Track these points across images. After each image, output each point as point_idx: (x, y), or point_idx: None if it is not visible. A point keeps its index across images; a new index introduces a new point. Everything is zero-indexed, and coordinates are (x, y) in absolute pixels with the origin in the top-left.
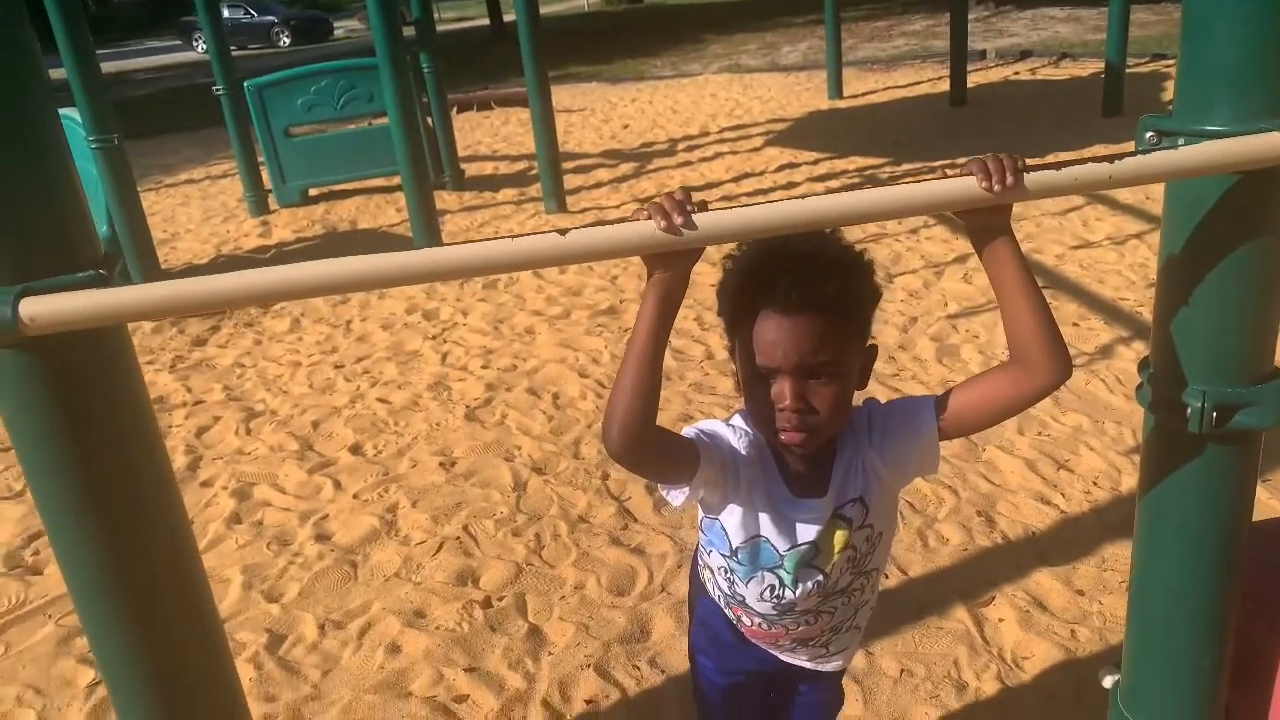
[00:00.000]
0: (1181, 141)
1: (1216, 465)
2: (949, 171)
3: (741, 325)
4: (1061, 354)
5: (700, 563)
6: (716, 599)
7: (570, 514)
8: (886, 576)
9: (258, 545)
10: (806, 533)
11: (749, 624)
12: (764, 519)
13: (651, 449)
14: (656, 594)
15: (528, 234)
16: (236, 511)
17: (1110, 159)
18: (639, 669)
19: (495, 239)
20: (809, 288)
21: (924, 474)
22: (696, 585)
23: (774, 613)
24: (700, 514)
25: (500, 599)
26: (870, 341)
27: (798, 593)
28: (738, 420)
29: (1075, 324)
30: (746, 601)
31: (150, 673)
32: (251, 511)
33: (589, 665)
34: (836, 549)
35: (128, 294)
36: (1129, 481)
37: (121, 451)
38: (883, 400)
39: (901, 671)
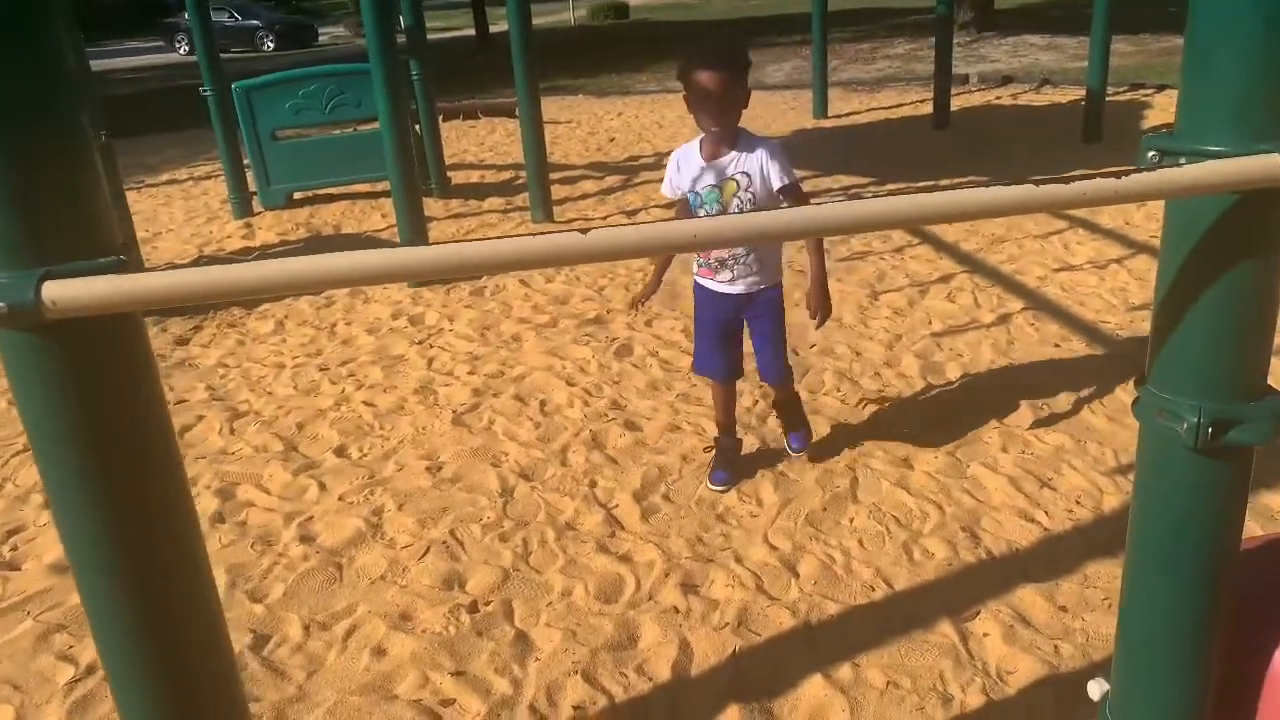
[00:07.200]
0: (1183, 160)
1: (1209, 480)
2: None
3: (688, 82)
4: None
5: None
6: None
7: (557, 520)
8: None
9: (242, 545)
10: (713, 178)
11: (699, 261)
12: (697, 177)
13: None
14: (644, 602)
15: (549, 232)
16: (220, 511)
17: (1117, 174)
18: (626, 676)
19: (516, 236)
20: (717, 63)
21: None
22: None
23: None
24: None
25: (487, 604)
26: (747, 86)
27: (714, 213)
28: (677, 150)
29: (1057, 345)
30: None
31: (154, 658)
32: (235, 511)
33: (576, 671)
34: (730, 193)
35: (148, 280)
36: (1111, 501)
37: (135, 437)
38: None
39: (888, 684)
